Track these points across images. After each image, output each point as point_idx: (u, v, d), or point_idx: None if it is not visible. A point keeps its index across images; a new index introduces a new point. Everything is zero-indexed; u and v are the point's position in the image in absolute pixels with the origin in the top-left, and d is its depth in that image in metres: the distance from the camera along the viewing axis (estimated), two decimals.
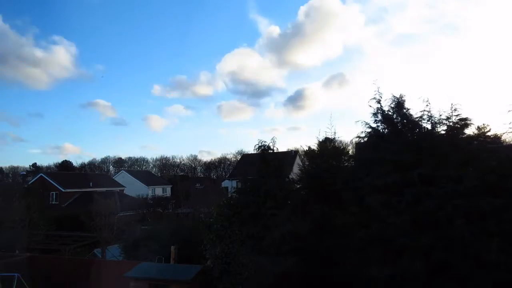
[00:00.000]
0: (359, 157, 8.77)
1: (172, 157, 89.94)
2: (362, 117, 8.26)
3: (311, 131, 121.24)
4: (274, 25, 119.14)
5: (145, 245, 11.44)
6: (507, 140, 8.74)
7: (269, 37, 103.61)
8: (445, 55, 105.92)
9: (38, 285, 11.18)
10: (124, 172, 59.23)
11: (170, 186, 58.87)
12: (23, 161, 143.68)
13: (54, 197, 36.53)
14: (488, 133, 8.32)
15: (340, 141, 10.50)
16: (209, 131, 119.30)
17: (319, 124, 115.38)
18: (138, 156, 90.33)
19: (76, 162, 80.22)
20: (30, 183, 39.07)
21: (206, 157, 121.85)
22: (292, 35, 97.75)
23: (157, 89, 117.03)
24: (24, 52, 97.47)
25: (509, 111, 7.96)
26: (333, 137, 10.23)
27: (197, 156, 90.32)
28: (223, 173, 78.92)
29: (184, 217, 17.30)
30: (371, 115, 8.03)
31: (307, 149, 11.03)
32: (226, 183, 42.31)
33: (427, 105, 7.59)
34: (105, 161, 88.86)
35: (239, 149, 77.19)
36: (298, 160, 32.63)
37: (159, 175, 76.18)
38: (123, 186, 47.10)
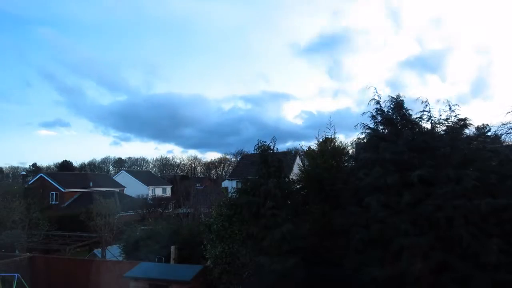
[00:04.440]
0: (359, 157, 8.77)
1: (172, 157, 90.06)
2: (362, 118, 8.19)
3: None
4: None
5: (145, 245, 11.43)
6: (507, 140, 8.76)
7: None
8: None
9: (38, 285, 11.19)
10: (124, 172, 59.23)
11: (170, 186, 58.82)
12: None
13: (54, 197, 36.55)
14: (488, 133, 8.34)
15: (340, 141, 10.51)
16: None
17: None
18: (138, 156, 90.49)
19: (76, 162, 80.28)
20: (30, 183, 39.02)
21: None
22: None
23: None
24: None
25: (508, 112, 7.99)
26: (333, 137, 10.25)
27: None
28: (223, 173, 78.97)
29: (184, 217, 17.28)
30: (370, 116, 8.03)
31: (307, 149, 11.05)
32: (226, 183, 42.30)
33: (426, 106, 7.60)
34: (105, 161, 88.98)
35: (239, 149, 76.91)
36: (298, 160, 32.67)
37: (159, 175, 76.16)
38: (123, 186, 47.12)
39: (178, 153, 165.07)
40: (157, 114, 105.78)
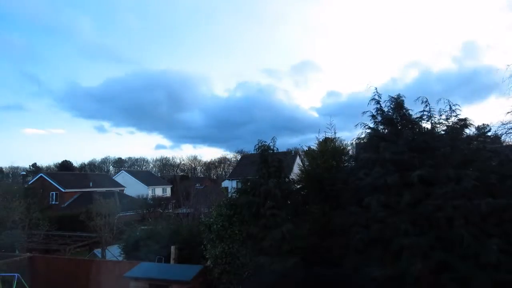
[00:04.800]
0: (359, 157, 8.78)
1: (172, 158, 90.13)
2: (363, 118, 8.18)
3: None
4: None
5: (145, 245, 11.44)
6: (507, 140, 8.76)
7: None
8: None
9: (38, 285, 11.18)
10: (124, 172, 59.26)
11: (170, 186, 58.82)
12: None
13: (54, 197, 36.56)
14: (488, 133, 8.34)
15: (341, 141, 10.52)
16: None
17: None
18: (138, 156, 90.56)
19: (76, 162, 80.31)
20: (30, 183, 39.00)
21: None
22: None
23: None
24: None
25: (508, 112, 7.99)
26: (333, 137, 10.26)
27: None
28: (223, 173, 78.99)
29: (184, 217, 17.28)
30: (370, 116, 8.03)
31: (307, 149, 11.05)
32: (226, 183, 42.31)
33: (426, 105, 7.60)
34: (105, 161, 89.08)
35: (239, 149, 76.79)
36: (298, 160, 32.66)
37: (159, 175, 76.18)
38: (123, 186, 47.13)
39: (170, 149, 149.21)
40: (149, 98, 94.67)
